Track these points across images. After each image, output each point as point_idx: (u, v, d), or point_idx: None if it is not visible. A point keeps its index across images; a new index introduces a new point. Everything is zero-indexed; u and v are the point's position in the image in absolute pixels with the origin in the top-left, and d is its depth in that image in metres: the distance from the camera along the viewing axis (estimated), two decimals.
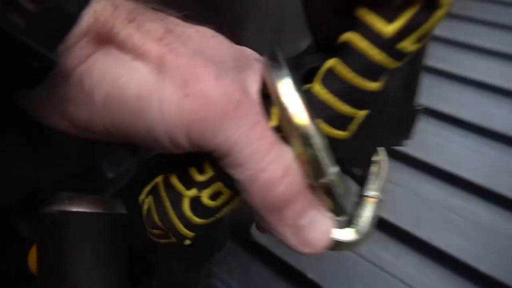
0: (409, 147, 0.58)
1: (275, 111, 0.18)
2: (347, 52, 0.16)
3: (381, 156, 0.23)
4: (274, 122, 0.18)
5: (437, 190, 0.54)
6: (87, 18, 0.17)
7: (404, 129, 0.22)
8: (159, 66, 0.18)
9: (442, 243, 0.47)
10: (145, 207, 0.23)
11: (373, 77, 0.16)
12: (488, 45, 0.79)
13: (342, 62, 0.16)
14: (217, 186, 0.19)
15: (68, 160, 0.36)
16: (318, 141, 0.17)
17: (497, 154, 0.58)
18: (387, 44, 0.16)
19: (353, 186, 0.22)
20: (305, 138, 0.17)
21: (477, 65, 0.74)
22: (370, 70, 0.16)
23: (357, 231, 0.20)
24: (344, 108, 0.17)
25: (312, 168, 0.17)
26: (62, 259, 0.28)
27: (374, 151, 0.23)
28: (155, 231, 0.22)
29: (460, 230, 0.48)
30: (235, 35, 0.21)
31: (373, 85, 0.16)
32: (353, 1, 0.16)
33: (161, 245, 0.23)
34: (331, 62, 0.17)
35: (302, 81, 0.18)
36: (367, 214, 0.21)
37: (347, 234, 0.20)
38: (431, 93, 0.68)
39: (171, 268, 0.28)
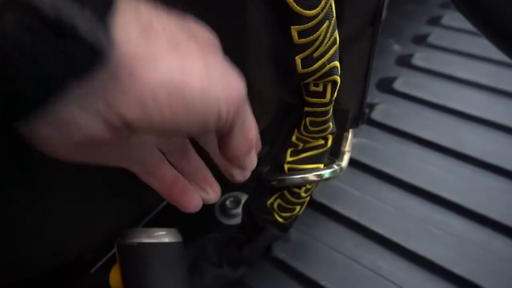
0: (396, 170, 0.66)
1: None
2: None
3: (348, 133, 0.49)
4: None
5: (420, 207, 0.62)
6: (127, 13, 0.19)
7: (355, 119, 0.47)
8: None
9: (426, 252, 0.55)
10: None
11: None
12: (460, 74, 0.84)
13: None
14: None
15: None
16: None
17: (470, 175, 0.65)
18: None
19: None
20: None
21: (451, 94, 0.80)
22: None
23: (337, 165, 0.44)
24: None
25: None
26: (144, 280, 0.36)
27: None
28: None
29: (440, 241, 0.56)
30: None
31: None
32: None
33: None
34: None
35: None
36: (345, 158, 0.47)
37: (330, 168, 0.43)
38: (413, 120, 0.75)
39: None
